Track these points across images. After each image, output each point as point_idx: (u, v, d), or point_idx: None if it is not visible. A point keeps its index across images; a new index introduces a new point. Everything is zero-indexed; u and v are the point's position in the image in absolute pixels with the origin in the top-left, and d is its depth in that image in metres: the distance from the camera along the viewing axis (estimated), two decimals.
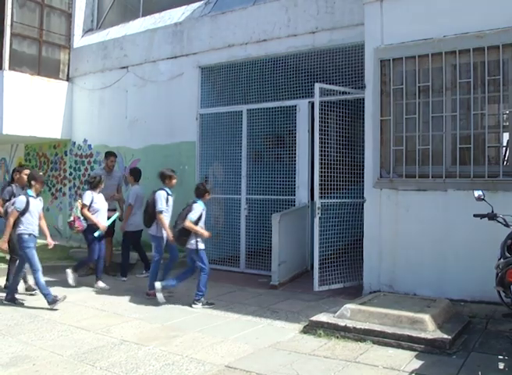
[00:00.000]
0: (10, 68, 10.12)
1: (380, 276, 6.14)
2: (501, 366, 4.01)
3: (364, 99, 6.41)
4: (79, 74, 11.17)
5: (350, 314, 4.93)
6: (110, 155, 8.47)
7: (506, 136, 5.66)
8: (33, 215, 6.12)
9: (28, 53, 10.62)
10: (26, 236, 6.01)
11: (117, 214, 7.74)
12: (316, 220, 6.62)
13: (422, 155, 6.01)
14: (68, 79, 11.27)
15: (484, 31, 5.49)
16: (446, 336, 4.39)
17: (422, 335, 4.41)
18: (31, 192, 6.21)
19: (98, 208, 7.11)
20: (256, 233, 8.11)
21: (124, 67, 10.29)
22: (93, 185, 7.18)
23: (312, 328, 4.96)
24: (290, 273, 7.35)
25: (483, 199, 4.65)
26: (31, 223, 6.10)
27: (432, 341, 4.34)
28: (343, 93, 6.99)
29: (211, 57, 8.95)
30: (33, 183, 6.22)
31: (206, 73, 9.13)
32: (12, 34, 10.16)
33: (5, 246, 6.17)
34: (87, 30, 11.55)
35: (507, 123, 5.67)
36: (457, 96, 5.75)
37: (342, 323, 4.83)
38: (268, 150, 8.54)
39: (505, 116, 5.67)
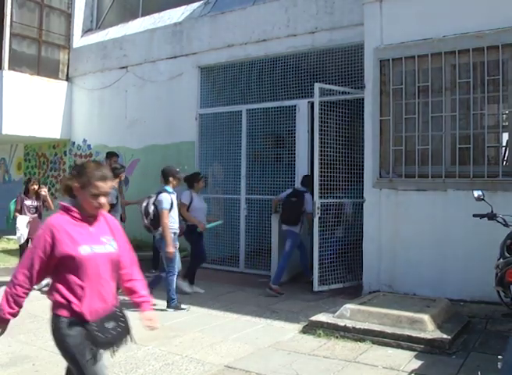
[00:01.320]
0: (10, 68, 10.14)
1: (380, 276, 6.14)
2: (500, 365, 4.01)
3: (363, 99, 6.41)
4: (78, 74, 11.17)
5: (349, 314, 4.93)
6: (112, 155, 8.38)
7: (505, 136, 5.66)
8: (175, 212, 5.94)
9: (28, 53, 10.63)
10: (172, 235, 5.82)
11: (221, 221, 7.40)
12: (316, 220, 6.60)
13: (422, 155, 6.02)
14: (67, 79, 11.28)
15: (483, 31, 5.49)
16: (445, 336, 4.39)
17: (422, 335, 4.41)
18: (169, 188, 6.00)
19: (198, 208, 6.81)
20: (255, 233, 8.10)
21: (123, 67, 10.29)
22: (190, 183, 6.86)
23: (312, 328, 4.96)
24: (290, 273, 7.34)
25: (483, 199, 4.65)
26: (174, 221, 5.91)
27: (431, 340, 4.34)
28: (343, 93, 6.96)
29: (210, 57, 8.95)
30: (170, 179, 6.03)
31: (205, 73, 9.14)
32: (11, 34, 10.17)
33: (173, 250, 5.80)
34: (87, 30, 11.55)
35: (507, 123, 5.67)
36: (457, 96, 5.75)
37: (341, 322, 4.82)
38: (267, 150, 8.53)
39: (504, 115, 5.68)
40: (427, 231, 5.84)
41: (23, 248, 7.08)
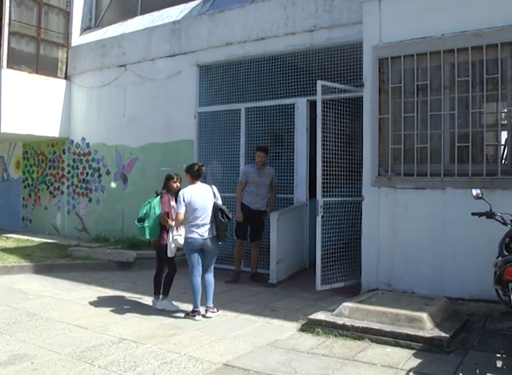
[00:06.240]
0: (8, 66, 10.12)
1: (378, 274, 6.14)
2: (499, 364, 4.02)
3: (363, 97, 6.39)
4: (77, 72, 11.16)
5: (348, 312, 4.93)
6: (258, 150, 7.40)
7: (504, 134, 5.66)
8: None
9: (26, 51, 10.62)
10: None
11: None
12: (318, 219, 6.49)
13: (420, 154, 6.02)
14: (66, 77, 11.27)
15: (482, 30, 5.49)
16: (444, 334, 4.39)
17: (420, 333, 4.41)
18: None
19: None
20: None
21: (122, 65, 10.29)
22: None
23: (310, 326, 4.96)
24: (288, 271, 7.35)
25: (481, 197, 4.65)
26: None
27: (430, 339, 4.34)
28: (346, 91, 6.89)
29: (209, 55, 8.95)
30: None
31: (204, 72, 9.13)
32: (10, 33, 10.16)
33: None
34: (85, 29, 11.55)
35: (505, 122, 5.67)
36: (456, 94, 5.76)
37: (340, 321, 4.83)
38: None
39: (503, 114, 5.68)
40: (425, 229, 5.85)
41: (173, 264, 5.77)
